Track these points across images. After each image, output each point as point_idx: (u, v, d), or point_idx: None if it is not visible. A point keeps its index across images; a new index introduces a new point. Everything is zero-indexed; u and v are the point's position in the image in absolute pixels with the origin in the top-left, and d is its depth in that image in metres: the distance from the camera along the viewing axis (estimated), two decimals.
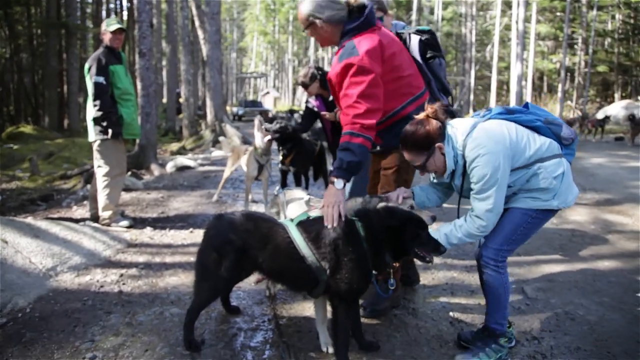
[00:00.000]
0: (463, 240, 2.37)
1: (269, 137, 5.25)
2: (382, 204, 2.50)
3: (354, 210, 2.46)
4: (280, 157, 5.40)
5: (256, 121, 5.49)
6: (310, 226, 2.36)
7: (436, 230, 2.41)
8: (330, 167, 5.89)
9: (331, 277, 2.28)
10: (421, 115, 2.42)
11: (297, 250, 2.30)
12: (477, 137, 2.27)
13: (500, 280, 2.43)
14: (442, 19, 34.81)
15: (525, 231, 2.42)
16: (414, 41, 2.97)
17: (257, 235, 2.39)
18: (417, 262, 3.15)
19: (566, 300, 3.29)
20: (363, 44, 2.56)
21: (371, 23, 2.65)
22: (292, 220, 2.44)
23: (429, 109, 2.40)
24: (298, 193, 3.16)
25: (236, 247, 2.37)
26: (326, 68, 4.82)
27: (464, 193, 2.44)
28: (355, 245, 2.29)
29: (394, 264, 2.47)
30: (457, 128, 2.36)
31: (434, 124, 2.36)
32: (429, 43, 2.98)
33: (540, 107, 2.62)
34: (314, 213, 2.47)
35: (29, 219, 4.50)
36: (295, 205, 2.99)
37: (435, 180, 2.66)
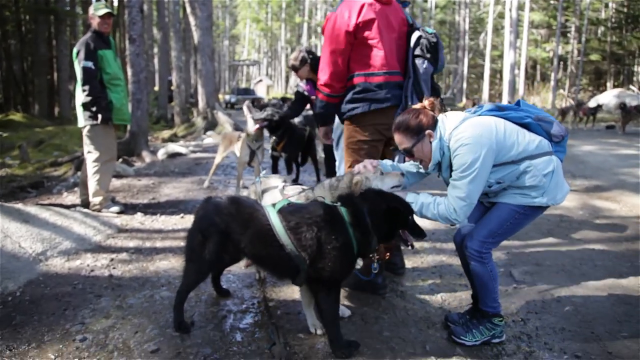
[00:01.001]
0: (435, 217, 2.38)
1: (257, 125, 5.27)
2: (359, 182, 2.49)
3: (338, 196, 2.44)
4: (272, 144, 5.43)
5: (244, 107, 5.49)
6: (291, 214, 2.32)
7: (415, 195, 2.43)
8: (321, 154, 5.91)
9: (311, 266, 2.26)
10: (418, 105, 2.50)
11: (276, 237, 2.26)
12: (464, 129, 2.31)
13: (485, 269, 2.47)
14: (436, 7, 34.66)
15: (512, 226, 2.45)
16: (415, 35, 3.04)
17: (239, 220, 2.37)
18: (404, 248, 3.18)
19: (553, 284, 3.34)
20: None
21: None
22: (273, 205, 2.42)
23: (427, 101, 2.48)
24: (274, 181, 3.11)
25: (219, 229, 2.37)
26: (318, 54, 4.80)
27: None
28: (340, 232, 2.26)
29: (377, 249, 2.49)
30: (447, 121, 2.41)
31: (429, 114, 2.42)
32: (424, 43, 3.01)
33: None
34: (280, 202, 2.46)
35: (19, 205, 4.47)
36: (270, 195, 2.94)
37: (420, 171, 2.68)
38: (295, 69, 4.50)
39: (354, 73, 2.97)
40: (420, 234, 2.36)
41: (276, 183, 3.04)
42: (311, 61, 4.42)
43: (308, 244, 2.23)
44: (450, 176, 2.40)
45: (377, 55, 2.93)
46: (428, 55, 2.99)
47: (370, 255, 2.51)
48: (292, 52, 45.57)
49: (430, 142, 2.39)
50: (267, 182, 3.12)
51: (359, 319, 2.75)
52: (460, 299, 3.08)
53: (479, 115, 2.46)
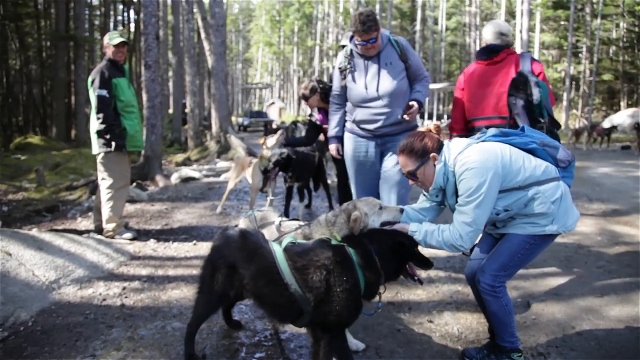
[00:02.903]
0: (440, 245, 2.31)
1: (272, 176, 5.35)
2: (357, 218, 2.40)
3: (343, 237, 2.35)
4: (284, 176, 5.49)
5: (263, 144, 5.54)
6: (298, 254, 2.22)
7: (418, 224, 2.38)
8: (333, 178, 5.91)
9: (317, 309, 2.14)
10: (423, 129, 2.50)
11: (280, 276, 2.16)
12: (469, 154, 2.29)
13: (499, 304, 2.40)
14: (446, 29, 34.95)
15: (523, 257, 2.39)
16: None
17: (244, 254, 2.30)
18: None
19: (573, 315, 3.24)
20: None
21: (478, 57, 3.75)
22: (280, 243, 2.33)
23: (433, 125, 2.50)
24: (270, 215, 3.05)
25: (228, 262, 2.33)
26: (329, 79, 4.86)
27: None
28: (349, 273, 2.16)
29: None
30: (451, 146, 2.39)
31: (434, 137, 2.41)
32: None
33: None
34: (289, 238, 2.40)
35: (34, 231, 4.52)
36: (267, 231, 2.85)
37: (425, 197, 2.63)
38: (305, 97, 4.55)
39: None
40: (426, 263, 2.31)
41: (272, 218, 2.98)
42: (321, 90, 4.45)
43: (315, 285, 2.14)
44: (456, 202, 2.36)
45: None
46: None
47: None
48: (304, 75, 46.28)
49: (434, 166, 2.36)
50: (263, 217, 3.05)
51: (374, 353, 2.68)
52: (477, 332, 3.00)
53: (483, 141, 2.43)
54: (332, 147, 4.02)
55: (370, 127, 3.62)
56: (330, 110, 3.96)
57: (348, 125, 3.83)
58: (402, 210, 2.55)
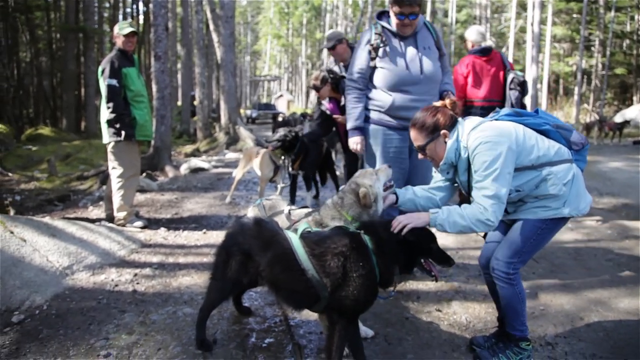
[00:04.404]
0: (465, 222, 2.22)
1: (270, 147, 5.28)
2: (366, 194, 2.52)
3: (361, 223, 2.37)
4: (290, 165, 5.36)
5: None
6: (315, 241, 2.25)
7: (437, 209, 2.33)
8: (341, 170, 5.90)
9: (333, 294, 2.17)
10: (439, 103, 2.47)
11: (297, 262, 2.19)
12: (483, 129, 2.27)
13: (513, 291, 2.39)
14: (456, 22, 34.60)
15: (536, 242, 2.38)
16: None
17: (260, 241, 2.32)
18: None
19: (582, 306, 3.24)
20: None
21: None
22: (295, 231, 2.37)
23: (448, 101, 2.48)
24: (279, 204, 3.07)
25: (242, 249, 2.35)
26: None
27: (471, 191, 2.40)
28: (364, 260, 2.18)
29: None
30: (465, 123, 2.38)
31: (447, 113, 2.38)
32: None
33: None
34: (304, 225, 2.42)
35: (47, 219, 4.58)
36: (277, 219, 2.87)
37: (436, 175, 2.62)
38: (316, 88, 4.53)
39: None
40: (446, 260, 2.30)
41: (282, 207, 3.01)
42: (332, 80, 4.45)
43: (332, 271, 2.16)
44: (468, 180, 2.35)
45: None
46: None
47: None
48: (312, 67, 46.13)
49: (445, 142, 2.36)
50: (272, 205, 3.07)
51: (382, 340, 2.71)
52: (485, 321, 3.01)
53: (496, 119, 2.43)
54: (355, 141, 3.42)
55: (410, 114, 3.07)
56: (349, 97, 3.43)
57: (374, 115, 3.37)
58: (390, 166, 2.71)
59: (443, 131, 2.35)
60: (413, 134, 2.44)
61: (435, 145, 2.37)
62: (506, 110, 2.47)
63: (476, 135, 2.26)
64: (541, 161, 2.28)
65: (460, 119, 2.42)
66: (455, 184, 2.57)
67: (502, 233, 2.52)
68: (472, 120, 2.38)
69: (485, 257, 2.56)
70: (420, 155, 2.48)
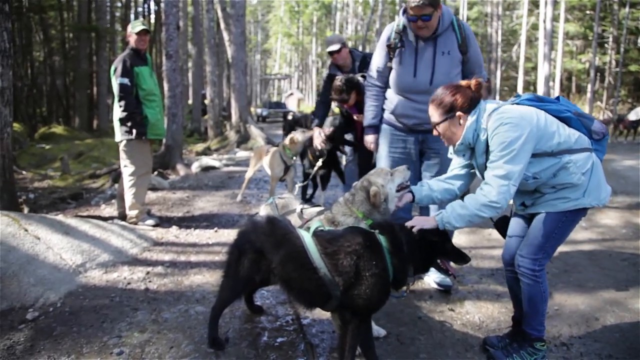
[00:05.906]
0: (470, 212, 2.20)
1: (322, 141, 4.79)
2: (377, 193, 2.50)
3: (375, 223, 2.36)
4: (319, 163, 5.13)
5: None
6: (328, 240, 2.23)
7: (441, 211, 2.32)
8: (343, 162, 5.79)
9: (346, 293, 2.15)
10: (464, 82, 2.39)
11: (309, 260, 2.18)
12: (505, 111, 2.23)
13: (538, 289, 2.36)
14: (468, 19, 34.30)
15: (559, 235, 2.34)
16: None
17: (272, 239, 2.31)
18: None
19: (597, 307, 3.19)
20: None
21: None
22: (308, 229, 2.36)
23: (474, 80, 2.37)
24: (292, 203, 3.05)
25: (255, 248, 2.35)
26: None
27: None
28: (378, 258, 2.17)
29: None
30: (487, 105, 2.33)
31: (468, 95, 2.31)
32: None
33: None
34: (316, 223, 2.41)
35: (60, 217, 4.62)
36: (289, 218, 2.85)
37: (453, 161, 2.59)
38: (344, 101, 4.10)
39: None
40: (462, 258, 2.28)
41: (294, 205, 3.00)
42: (355, 87, 4.23)
43: (345, 270, 2.14)
44: (486, 162, 2.30)
45: None
46: None
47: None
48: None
49: (460, 124, 2.31)
50: (285, 204, 3.05)
51: (395, 340, 2.69)
52: (498, 321, 2.98)
53: (517, 103, 2.38)
54: (369, 139, 3.44)
55: (409, 122, 3.19)
56: (367, 94, 3.41)
57: (386, 115, 3.34)
58: (409, 168, 2.65)
59: (459, 113, 2.30)
60: (430, 109, 2.40)
61: (450, 126, 2.33)
62: (527, 94, 2.43)
63: (497, 117, 2.21)
64: (561, 148, 2.23)
65: (482, 100, 2.36)
66: (472, 170, 2.52)
67: (523, 227, 2.48)
68: (493, 104, 2.33)
69: (509, 253, 2.52)
70: (434, 132, 2.44)
